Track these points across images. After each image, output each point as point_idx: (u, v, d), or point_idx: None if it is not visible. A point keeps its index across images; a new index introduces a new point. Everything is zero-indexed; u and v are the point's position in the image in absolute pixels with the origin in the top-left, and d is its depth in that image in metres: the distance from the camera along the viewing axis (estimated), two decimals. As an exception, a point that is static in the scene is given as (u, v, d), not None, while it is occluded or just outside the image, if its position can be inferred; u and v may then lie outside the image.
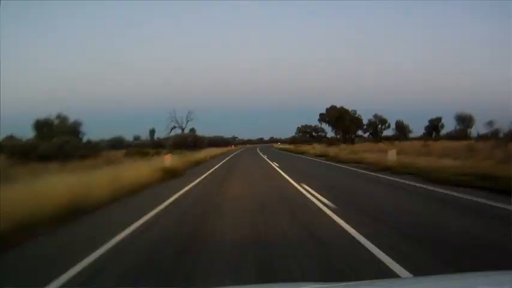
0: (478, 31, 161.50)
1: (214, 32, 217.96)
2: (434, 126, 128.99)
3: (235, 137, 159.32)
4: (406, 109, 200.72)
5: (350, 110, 69.21)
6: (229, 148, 67.51)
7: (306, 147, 47.30)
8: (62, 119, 68.95)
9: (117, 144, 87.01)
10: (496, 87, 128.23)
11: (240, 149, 70.91)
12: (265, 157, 29.17)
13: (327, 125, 70.85)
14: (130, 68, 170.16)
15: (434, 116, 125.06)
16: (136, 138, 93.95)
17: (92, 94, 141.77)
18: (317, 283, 2.17)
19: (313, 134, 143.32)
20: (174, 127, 61.68)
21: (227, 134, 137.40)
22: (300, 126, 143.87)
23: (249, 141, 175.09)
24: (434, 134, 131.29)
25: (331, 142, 56.71)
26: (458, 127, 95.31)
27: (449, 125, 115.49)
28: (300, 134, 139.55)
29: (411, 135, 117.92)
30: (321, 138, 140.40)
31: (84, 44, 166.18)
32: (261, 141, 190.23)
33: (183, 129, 61.24)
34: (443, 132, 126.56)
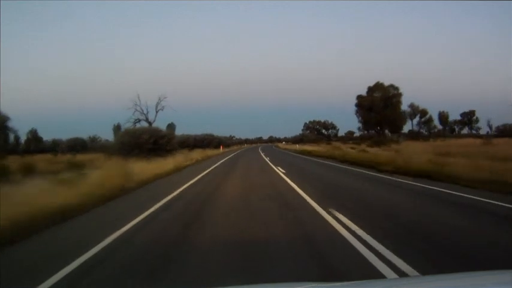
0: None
1: (210, 31, 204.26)
2: (467, 120, 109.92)
3: (233, 136, 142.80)
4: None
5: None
6: (208, 153, 39.81)
7: (346, 149, 27.55)
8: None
9: (76, 145, 67.34)
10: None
11: (233, 153, 47.77)
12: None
13: (359, 116, 49.39)
14: (124, 65, 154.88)
15: (467, 109, 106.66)
16: (118, 138, 74.67)
17: (80, 94, 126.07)
18: (315, 283, 1.89)
19: (323, 131, 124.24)
20: (139, 120, 41.83)
21: (224, 133, 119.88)
22: (307, 122, 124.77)
23: (247, 141, 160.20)
24: (457, 129, 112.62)
25: (377, 142, 36.53)
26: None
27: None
28: (308, 131, 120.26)
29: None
30: (330, 137, 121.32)
31: (78, 44, 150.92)
32: (259, 140, 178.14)
33: (150, 123, 41.41)
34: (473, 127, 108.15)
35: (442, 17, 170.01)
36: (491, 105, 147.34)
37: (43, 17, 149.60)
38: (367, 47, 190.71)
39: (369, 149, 28.39)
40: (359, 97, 48.03)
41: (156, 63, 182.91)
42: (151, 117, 41.54)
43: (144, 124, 41.31)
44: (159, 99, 41.80)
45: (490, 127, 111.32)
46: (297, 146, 47.92)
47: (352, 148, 31.33)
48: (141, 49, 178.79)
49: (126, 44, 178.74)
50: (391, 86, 46.66)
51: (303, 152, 32.83)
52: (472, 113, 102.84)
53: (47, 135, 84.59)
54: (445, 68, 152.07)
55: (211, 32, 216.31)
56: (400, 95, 45.76)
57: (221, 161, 27.08)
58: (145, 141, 26.60)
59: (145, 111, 40.32)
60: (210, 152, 42.28)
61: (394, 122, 45.16)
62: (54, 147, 77.11)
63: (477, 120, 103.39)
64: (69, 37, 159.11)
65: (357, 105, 48.27)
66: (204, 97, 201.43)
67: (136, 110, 40.98)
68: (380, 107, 44.17)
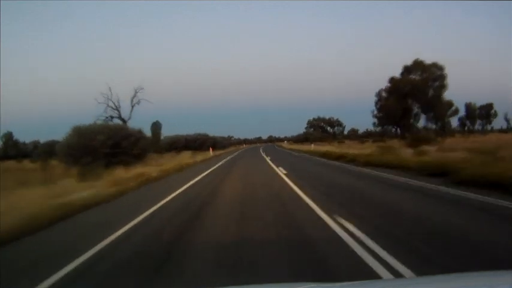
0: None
1: (210, 31, 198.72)
2: (486, 114, 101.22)
3: (231, 136, 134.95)
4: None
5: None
6: (187, 159, 26.65)
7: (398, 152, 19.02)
8: None
9: (54, 148, 59.36)
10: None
11: (228, 156, 35.20)
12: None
13: (379, 107, 39.55)
14: (123, 65, 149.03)
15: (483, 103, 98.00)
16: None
17: (79, 95, 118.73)
18: (315, 283, 1.82)
19: (328, 128, 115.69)
20: (111, 117, 33.43)
21: (223, 134, 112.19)
22: (311, 119, 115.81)
23: (246, 141, 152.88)
24: (470, 125, 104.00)
25: (421, 139, 28.08)
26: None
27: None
28: (312, 129, 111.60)
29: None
30: (335, 134, 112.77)
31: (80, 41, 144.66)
32: (258, 140, 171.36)
33: (124, 120, 33.08)
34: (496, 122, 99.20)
35: (443, 16, 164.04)
36: (498, 100, 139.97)
37: (43, 17, 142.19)
38: (367, 46, 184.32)
39: (409, 149, 20.18)
40: (392, 80, 37.83)
41: (155, 63, 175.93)
42: (126, 114, 33.22)
43: (118, 122, 33.06)
44: (135, 91, 33.45)
45: (508, 121, 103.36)
46: (312, 146, 38.36)
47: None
48: (140, 49, 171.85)
49: (124, 44, 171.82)
50: (434, 65, 36.45)
51: (329, 156, 23.39)
52: (490, 106, 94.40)
53: (44, 138, 76.46)
54: (446, 64, 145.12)
55: (211, 32, 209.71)
56: (444, 77, 36.10)
57: (193, 181, 13.15)
58: (102, 143, 18.35)
59: (116, 105, 31.92)
60: (192, 158, 28.37)
61: (435, 111, 35.62)
62: (34, 151, 69.14)
63: (496, 114, 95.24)
64: (68, 37, 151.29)
65: (378, 94, 37.85)
66: (203, 97, 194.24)
67: (108, 105, 32.66)
68: (425, 92, 34.39)
